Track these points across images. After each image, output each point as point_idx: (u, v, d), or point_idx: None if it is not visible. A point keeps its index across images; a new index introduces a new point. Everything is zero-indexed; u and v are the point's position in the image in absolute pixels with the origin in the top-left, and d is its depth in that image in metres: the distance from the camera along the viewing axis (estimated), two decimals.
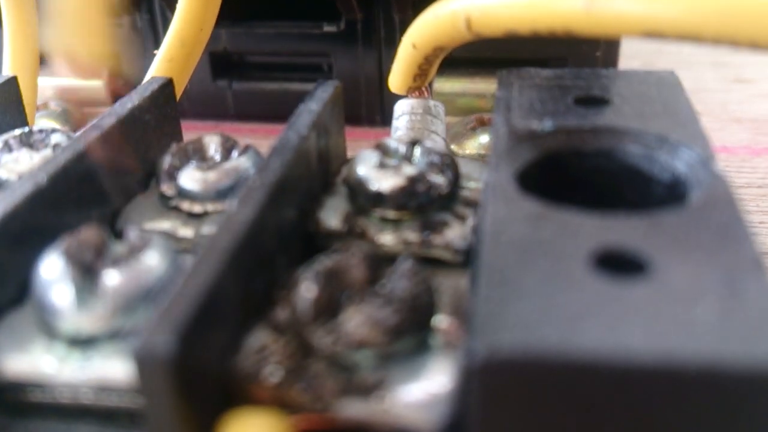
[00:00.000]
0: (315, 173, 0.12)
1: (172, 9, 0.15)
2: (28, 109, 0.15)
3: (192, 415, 0.08)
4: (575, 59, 0.16)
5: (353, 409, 0.08)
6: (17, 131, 0.13)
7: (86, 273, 0.09)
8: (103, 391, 0.09)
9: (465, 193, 0.11)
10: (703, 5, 0.10)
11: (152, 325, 0.07)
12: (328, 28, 0.19)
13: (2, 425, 0.09)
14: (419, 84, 0.14)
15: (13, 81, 0.15)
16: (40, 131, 0.13)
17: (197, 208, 0.12)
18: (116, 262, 0.09)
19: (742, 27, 0.09)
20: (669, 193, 0.10)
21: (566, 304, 0.07)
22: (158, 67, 0.15)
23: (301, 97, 0.12)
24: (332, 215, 0.11)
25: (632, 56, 0.22)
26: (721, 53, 0.21)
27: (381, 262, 0.09)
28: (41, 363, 0.09)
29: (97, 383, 0.09)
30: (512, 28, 0.11)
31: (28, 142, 0.13)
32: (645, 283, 0.07)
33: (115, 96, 0.10)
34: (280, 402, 0.08)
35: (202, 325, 0.08)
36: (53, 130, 0.13)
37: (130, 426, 0.09)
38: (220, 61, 0.19)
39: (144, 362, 0.07)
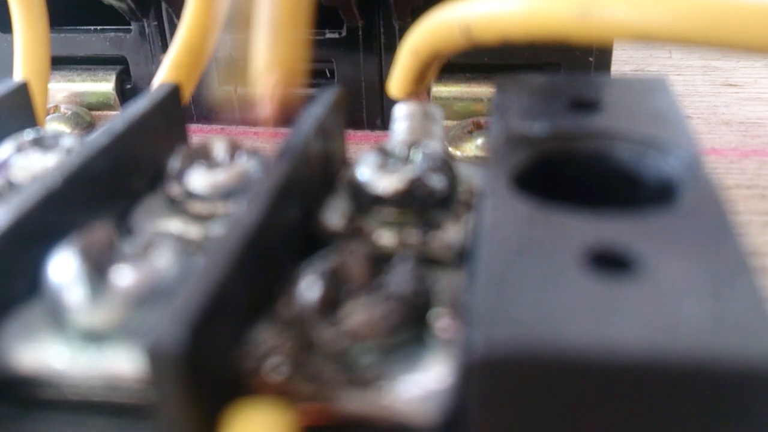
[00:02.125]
0: (318, 175, 0.12)
1: (180, 16, 0.15)
2: (39, 113, 0.15)
3: (200, 407, 0.08)
4: (569, 65, 0.16)
5: (353, 403, 0.08)
6: (29, 134, 0.13)
7: (98, 270, 0.09)
8: (113, 387, 0.09)
9: (462, 195, 0.12)
10: (694, 11, 0.10)
11: (164, 321, 0.07)
12: (330, 35, 0.19)
13: (13, 420, 0.09)
14: (418, 89, 0.14)
15: (24, 86, 0.15)
16: (52, 134, 0.13)
17: (204, 209, 0.12)
18: (127, 261, 0.09)
19: (733, 31, 0.09)
20: (659, 194, 0.10)
21: (560, 302, 0.07)
22: (166, 73, 0.15)
23: (304, 102, 0.12)
24: (334, 216, 0.11)
25: (624, 62, 0.22)
26: (711, 59, 0.22)
27: (381, 261, 0.09)
28: (52, 358, 0.09)
29: (107, 378, 0.09)
30: (509, 36, 0.12)
31: (39, 144, 0.13)
32: (635, 281, 0.07)
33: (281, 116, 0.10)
34: (282, 394, 0.08)
35: (211, 321, 0.08)
36: (64, 134, 0.14)
37: (139, 421, 0.09)
38: (226, 67, 0.19)
39: (156, 357, 0.07)
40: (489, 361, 0.07)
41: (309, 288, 0.09)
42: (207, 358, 0.08)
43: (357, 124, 0.20)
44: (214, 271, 0.08)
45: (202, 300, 0.08)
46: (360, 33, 0.19)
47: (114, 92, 0.19)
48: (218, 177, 0.12)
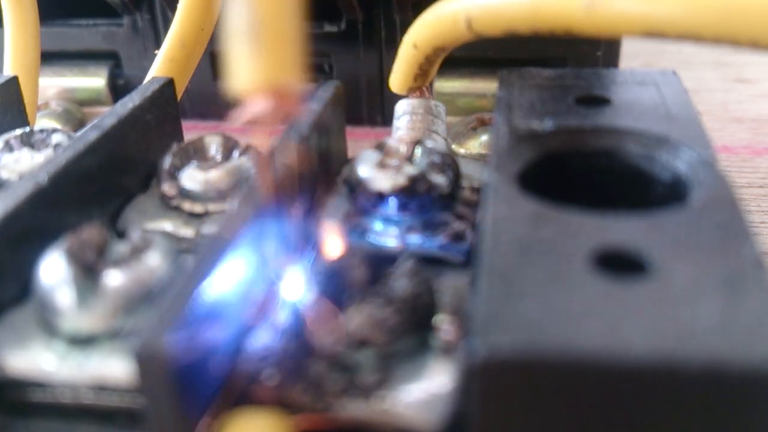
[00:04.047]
0: (316, 173, 0.12)
1: (173, 9, 0.15)
2: (29, 109, 0.15)
3: (191, 414, 0.08)
4: (576, 59, 0.16)
5: (354, 409, 0.08)
6: (18, 131, 0.13)
7: (88, 272, 0.09)
8: (103, 390, 0.09)
9: (465, 193, 0.11)
10: (703, 5, 0.10)
11: (153, 325, 0.07)
12: (329, 29, 0.19)
13: (3, 424, 0.09)
14: (420, 84, 0.14)
15: (14, 81, 0.15)
16: (41, 131, 0.13)
17: (198, 208, 0.12)
18: (118, 262, 0.09)
19: (743, 26, 0.09)
20: (670, 193, 0.10)
21: (566, 304, 0.07)
22: (159, 68, 0.15)
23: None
24: (333, 215, 0.11)
25: (633, 56, 0.22)
26: (722, 53, 0.22)
27: (381, 262, 0.09)
28: (41, 361, 0.09)
29: (97, 382, 0.09)
30: (512, 28, 0.11)
31: (29, 142, 0.13)
32: (645, 283, 0.07)
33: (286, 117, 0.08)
34: (281, 402, 0.08)
35: (202, 325, 0.08)
36: (54, 130, 0.13)
37: (129, 426, 0.09)
38: (220, 61, 0.19)
39: (144, 361, 0.07)
40: (492, 365, 0.07)
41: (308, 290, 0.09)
42: (199, 363, 0.08)
43: (357, 120, 0.20)
44: (207, 272, 0.08)
45: (193, 302, 0.07)
46: (360, 26, 0.19)
47: (106, 88, 0.19)
48: (212, 175, 0.12)
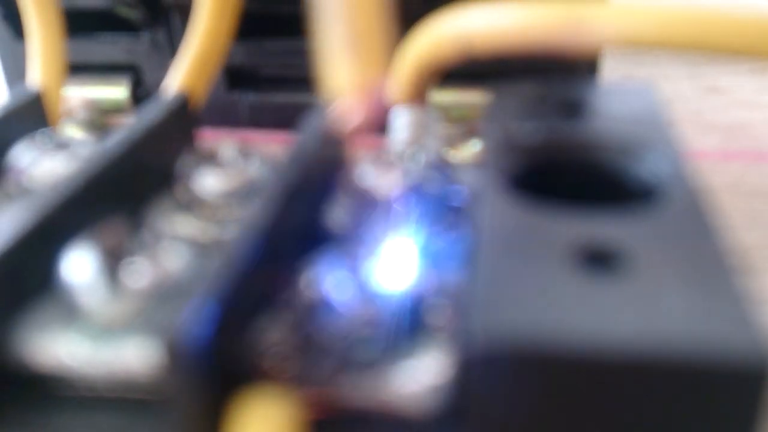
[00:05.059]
0: (321, 178, 0.12)
1: (191, 23, 0.16)
2: (53, 119, 0.16)
3: (214, 398, 0.08)
4: (559, 72, 0.17)
5: (353, 397, 0.09)
6: (42, 138, 0.14)
7: (113, 267, 0.10)
8: (127, 383, 0.09)
9: (458, 198, 0.12)
10: (681, 19, 0.10)
11: (184, 316, 0.08)
12: None
13: (27, 415, 0.09)
14: (417, 95, 0.14)
15: (38, 93, 0.15)
16: (65, 138, 0.14)
17: (212, 212, 0.12)
18: (141, 258, 0.10)
19: (724, 38, 0.10)
20: (648, 196, 0.10)
21: (553, 299, 0.07)
22: (177, 79, 0.15)
23: (309, 107, 0.13)
24: (334, 217, 0.12)
25: (613, 69, 0.22)
26: (697, 65, 0.22)
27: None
28: (66, 354, 0.09)
29: (123, 374, 0.09)
30: (510, 50, 0.12)
31: (52, 148, 0.14)
32: (621, 279, 0.08)
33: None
34: (286, 384, 0.09)
35: (226, 317, 0.08)
36: (77, 138, 0.14)
37: (154, 417, 0.09)
38: (234, 74, 0.20)
39: (176, 350, 0.08)
40: (489, 356, 0.07)
41: (312, 284, 0.10)
42: (221, 351, 0.08)
43: None
44: (230, 270, 0.09)
45: (220, 297, 0.08)
46: None
47: (127, 98, 0.19)
48: (227, 181, 0.12)
